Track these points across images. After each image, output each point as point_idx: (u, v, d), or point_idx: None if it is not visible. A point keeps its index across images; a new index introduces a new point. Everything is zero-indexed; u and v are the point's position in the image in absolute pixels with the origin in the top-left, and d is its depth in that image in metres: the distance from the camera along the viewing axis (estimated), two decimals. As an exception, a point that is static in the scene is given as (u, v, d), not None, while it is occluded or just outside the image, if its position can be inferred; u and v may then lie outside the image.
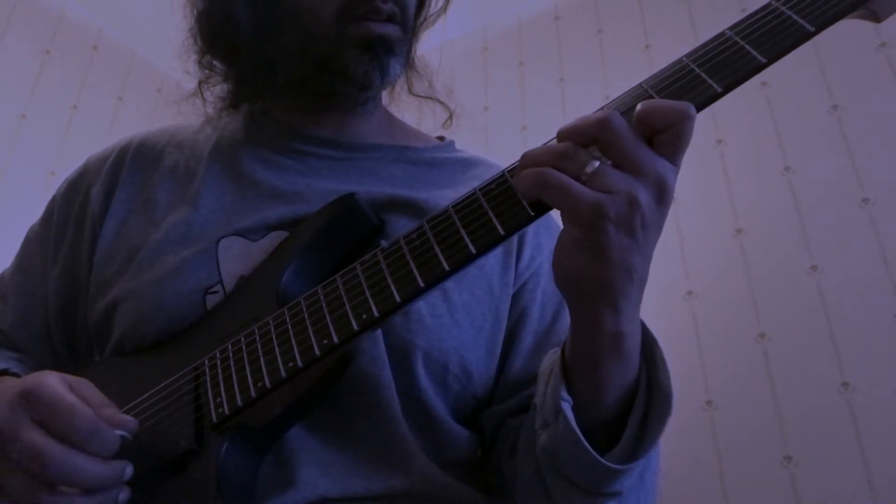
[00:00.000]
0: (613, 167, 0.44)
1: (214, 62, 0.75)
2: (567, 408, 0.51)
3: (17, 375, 0.61)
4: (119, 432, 0.49)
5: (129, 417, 0.51)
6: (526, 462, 0.58)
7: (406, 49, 0.73)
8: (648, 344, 0.53)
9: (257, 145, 0.74)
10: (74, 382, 0.51)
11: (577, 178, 0.44)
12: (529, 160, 0.46)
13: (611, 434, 0.52)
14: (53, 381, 0.50)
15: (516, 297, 0.68)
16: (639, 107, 0.45)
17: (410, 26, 0.73)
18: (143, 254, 0.65)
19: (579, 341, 0.51)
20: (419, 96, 0.82)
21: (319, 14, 0.67)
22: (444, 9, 0.81)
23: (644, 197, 0.43)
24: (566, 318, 0.68)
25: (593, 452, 0.49)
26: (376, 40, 0.67)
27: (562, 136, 0.46)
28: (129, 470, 0.49)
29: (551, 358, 0.57)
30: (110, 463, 0.49)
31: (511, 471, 0.61)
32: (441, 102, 0.83)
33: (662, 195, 0.44)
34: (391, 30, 0.68)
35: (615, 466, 0.49)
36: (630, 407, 0.52)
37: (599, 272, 0.45)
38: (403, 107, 0.84)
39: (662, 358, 0.53)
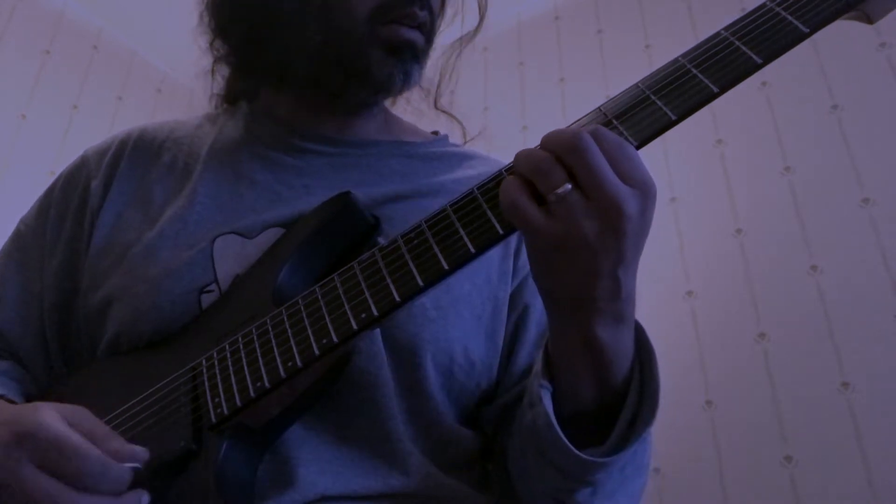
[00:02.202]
0: (579, 191, 0.45)
1: (225, 48, 0.75)
2: (546, 394, 0.53)
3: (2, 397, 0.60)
4: (130, 465, 0.47)
5: (137, 448, 0.49)
6: (516, 437, 0.60)
7: (425, 60, 0.74)
8: (645, 349, 0.54)
9: (255, 143, 0.74)
10: (71, 415, 0.48)
11: (546, 197, 0.45)
12: (516, 164, 0.48)
13: (595, 423, 0.53)
14: (51, 419, 0.47)
15: (518, 291, 0.69)
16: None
17: (432, 39, 0.74)
18: (138, 250, 0.65)
19: (552, 335, 0.54)
20: (443, 111, 0.84)
21: (353, 9, 0.66)
22: (476, 31, 0.83)
23: (593, 228, 0.45)
24: None
25: (565, 441, 0.51)
26: (405, 45, 0.68)
27: (543, 143, 0.47)
28: (144, 499, 0.48)
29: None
30: (123, 497, 0.47)
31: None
32: (456, 119, 0.85)
33: (614, 221, 0.45)
34: (418, 37, 0.69)
35: (588, 458, 0.51)
36: (614, 403, 0.53)
37: (558, 292, 0.49)
38: (401, 108, 0.84)
39: (654, 363, 0.54)
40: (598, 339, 0.50)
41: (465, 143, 0.85)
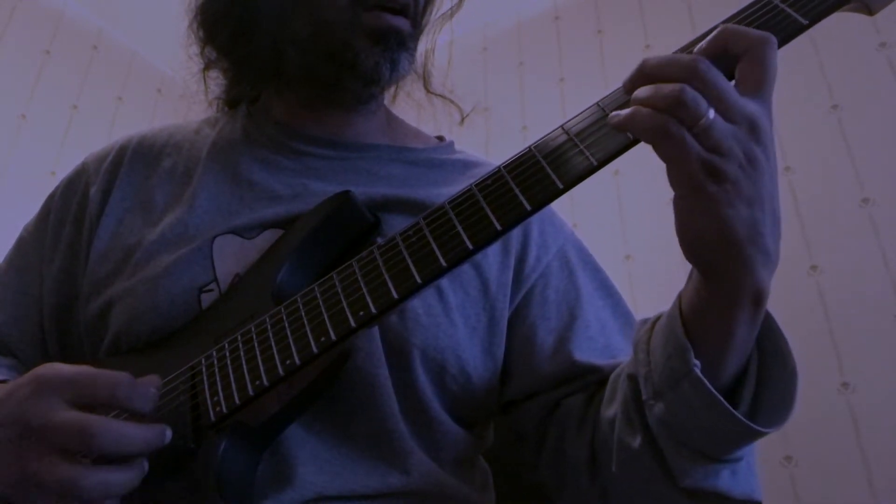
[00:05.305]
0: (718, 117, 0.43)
1: (216, 54, 0.75)
2: (699, 373, 0.48)
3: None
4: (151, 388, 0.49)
5: (149, 376, 0.51)
6: (629, 435, 0.55)
7: (414, 47, 0.73)
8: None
9: (255, 145, 0.74)
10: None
11: (690, 129, 0.42)
12: (651, 97, 0.43)
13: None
14: (64, 365, 0.49)
15: (527, 301, 0.68)
16: (717, 30, 0.45)
17: (419, 24, 0.73)
18: (139, 254, 0.65)
19: (715, 307, 0.49)
20: (435, 94, 0.82)
21: None
22: (452, 13, 0.81)
23: (742, 147, 0.43)
24: (585, 313, 0.68)
25: (741, 417, 0.47)
26: (389, 31, 0.67)
27: (660, 72, 0.44)
28: (168, 432, 0.49)
29: (652, 329, 0.55)
30: (150, 425, 0.48)
31: (583, 451, 0.61)
32: (453, 102, 0.84)
33: (758, 136, 0.44)
34: (403, 23, 0.68)
35: (760, 429, 0.47)
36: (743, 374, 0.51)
37: (724, 232, 0.44)
38: (402, 110, 0.84)
39: (777, 327, 0.52)
40: (764, 292, 0.47)
41: (462, 120, 0.84)
